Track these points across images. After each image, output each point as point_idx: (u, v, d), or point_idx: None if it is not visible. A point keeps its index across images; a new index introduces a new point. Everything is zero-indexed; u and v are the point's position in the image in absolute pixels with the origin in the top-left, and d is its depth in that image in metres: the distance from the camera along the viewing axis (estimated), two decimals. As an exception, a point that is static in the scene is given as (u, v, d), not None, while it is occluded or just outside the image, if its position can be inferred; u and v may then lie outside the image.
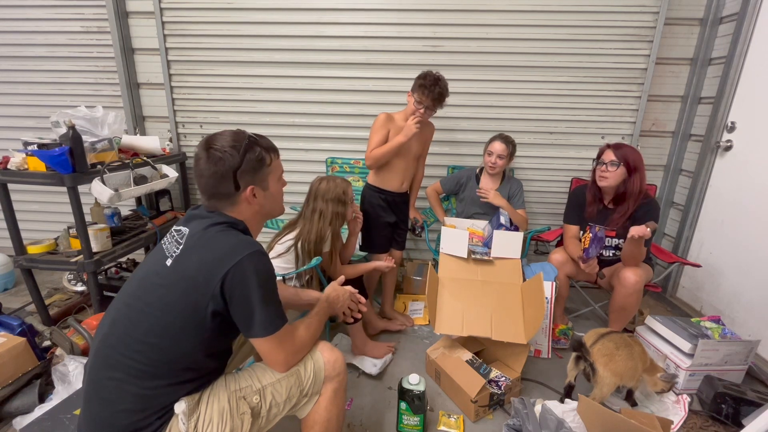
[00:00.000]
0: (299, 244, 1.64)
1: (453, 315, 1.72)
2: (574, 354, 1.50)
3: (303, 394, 1.04)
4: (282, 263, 1.64)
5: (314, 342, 1.10)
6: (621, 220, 1.86)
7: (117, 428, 0.86)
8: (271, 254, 1.64)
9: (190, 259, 0.90)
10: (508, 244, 1.94)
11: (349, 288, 1.31)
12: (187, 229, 0.95)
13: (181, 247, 0.92)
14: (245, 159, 0.96)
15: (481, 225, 2.16)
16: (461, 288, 1.84)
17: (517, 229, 2.10)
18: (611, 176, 1.82)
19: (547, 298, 1.88)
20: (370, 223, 2.03)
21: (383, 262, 1.90)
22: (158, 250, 0.97)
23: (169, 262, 0.92)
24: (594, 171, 1.92)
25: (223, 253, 0.90)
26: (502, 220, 2.07)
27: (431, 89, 1.76)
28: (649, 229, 1.59)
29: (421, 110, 1.81)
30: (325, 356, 1.07)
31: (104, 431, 0.87)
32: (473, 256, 1.95)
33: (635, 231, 1.61)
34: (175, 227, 0.99)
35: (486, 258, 1.93)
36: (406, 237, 2.20)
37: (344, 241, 1.94)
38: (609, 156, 1.83)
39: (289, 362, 1.02)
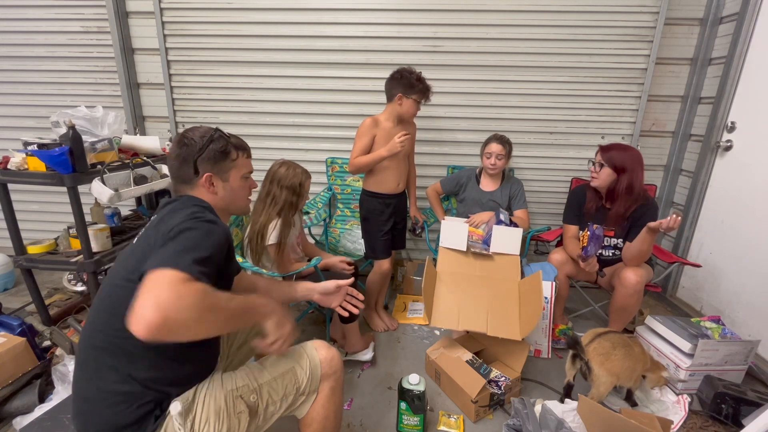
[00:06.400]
0: (249, 230, 1.67)
1: (449, 309, 1.73)
2: (570, 353, 1.50)
3: (300, 393, 1.04)
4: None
5: (222, 317, 0.79)
6: (618, 220, 1.86)
7: (110, 420, 0.86)
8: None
9: (154, 230, 0.89)
10: (508, 239, 1.94)
11: (344, 283, 1.30)
12: (158, 216, 0.97)
13: (147, 226, 0.96)
14: (208, 148, 1.02)
15: (481, 225, 2.16)
16: (458, 282, 1.85)
17: (516, 227, 2.11)
18: (598, 177, 1.88)
19: (546, 298, 1.89)
20: (371, 229, 2.03)
21: (340, 263, 1.83)
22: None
23: (134, 240, 0.95)
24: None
25: (181, 217, 0.88)
26: (502, 217, 2.07)
27: (426, 87, 1.85)
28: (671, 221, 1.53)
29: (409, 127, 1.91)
30: (321, 354, 1.07)
31: (95, 418, 0.87)
32: (472, 250, 1.96)
33: (655, 223, 1.60)
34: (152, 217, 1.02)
35: (485, 251, 1.94)
36: (405, 235, 2.20)
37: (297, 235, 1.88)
38: (598, 157, 1.88)
39: (160, 315, 0.67)
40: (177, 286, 0.70)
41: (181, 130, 2.68)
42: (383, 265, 2.04)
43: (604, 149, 1.87)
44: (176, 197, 1.04)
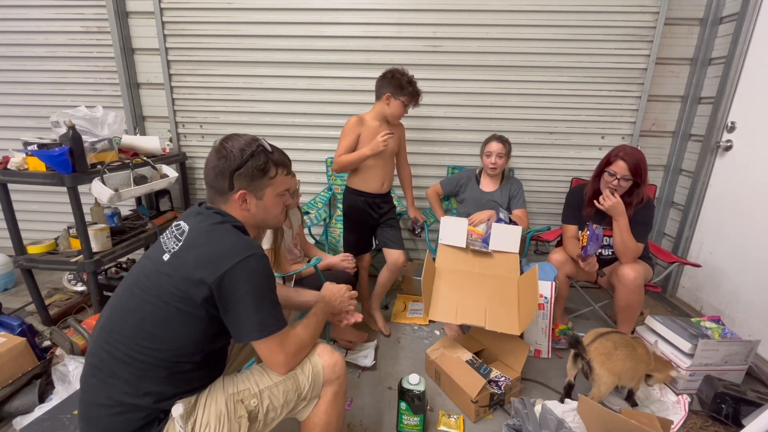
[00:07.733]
0: None
1: (448, 303, 1.73)
2: (572, 352, 1.50)
3: (301, 398, 1.03)
4: None
5: (314, 342, 1.09)
6: None
7: (117, 426, 0.87)
8: None
9: (189, 255, 0.90)
10: (507, 237, 1.95)
11: (343, 285, 1.30)
12: (188, 226, 0.95)
13: (180, 243, 0.93)
14: (246, 164, 0.98)
15: (480, 225, 2.16)
16: (458, 279, 1.86)
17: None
18: (622, 190, 1.80)
19: (546, 298, 1.89)
20: (349, 225, 2.06)
21: (342, 261, 1.82)
22: (157, 245, 0.98)
23: (166, 257, 0.92)
24: (599, 173, 1.86)
25: (221, 252, 0.90)
26: (502, 215, 2.08)
27: (416, 91, 1.85)
28: (609, 201, 1.75)
29: (393, 128, 1.88)
30: (325, 360, 1.06)
31: (103, 423, 0.88)
32: (471, 248, 1.96)
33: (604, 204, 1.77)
34: (175, 222, 1.00)
35: (484, 249, 1.95)
36: (400, 236, 2.13)
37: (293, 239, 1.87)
38: (622, 170, 1.75)
39: (290, 363, 1.01)
40: (284, 348, 0.97)
41: (182, 130, 2.70)
42: (361, 261, 2.07)
43: (626, 158, 1.74)
44: (207, 210, 1.00)
